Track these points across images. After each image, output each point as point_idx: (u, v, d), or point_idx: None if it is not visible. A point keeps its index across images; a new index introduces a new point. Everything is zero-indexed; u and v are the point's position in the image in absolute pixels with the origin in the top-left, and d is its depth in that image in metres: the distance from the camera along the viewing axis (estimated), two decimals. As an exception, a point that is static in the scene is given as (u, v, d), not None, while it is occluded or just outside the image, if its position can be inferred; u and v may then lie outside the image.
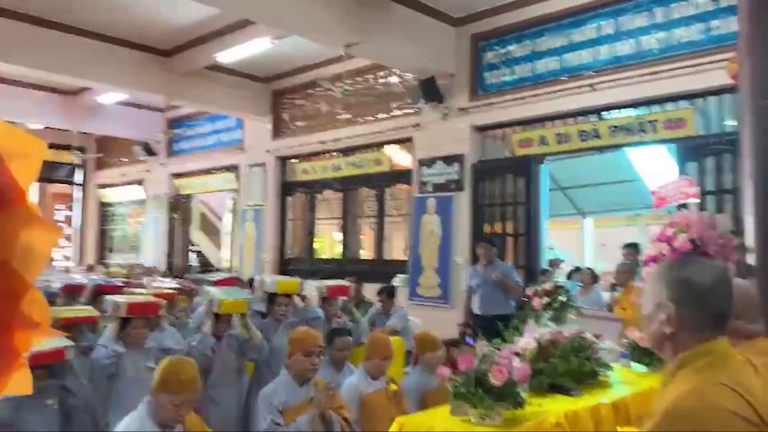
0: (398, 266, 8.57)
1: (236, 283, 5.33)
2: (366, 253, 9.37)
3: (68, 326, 4.01)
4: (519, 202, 7.37)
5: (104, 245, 14.70)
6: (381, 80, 8.83)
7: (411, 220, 8.23)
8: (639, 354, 2.96)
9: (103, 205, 14.69)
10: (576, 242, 12.51)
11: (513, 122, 7.29)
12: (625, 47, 6.29)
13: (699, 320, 1.35)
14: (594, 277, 7.14)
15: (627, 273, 5.93)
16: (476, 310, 6.08)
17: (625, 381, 2.76)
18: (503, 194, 7.52)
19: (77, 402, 3.46)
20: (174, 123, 12.35)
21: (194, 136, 12.02)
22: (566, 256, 11.13)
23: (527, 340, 2.43)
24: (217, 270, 12.22)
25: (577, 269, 8.03)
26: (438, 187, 7.89)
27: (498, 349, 2.39)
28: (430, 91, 7.68)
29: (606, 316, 5.20)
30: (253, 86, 10.02)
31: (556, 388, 2.37)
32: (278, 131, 10.21)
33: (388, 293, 5.98)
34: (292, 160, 10.15)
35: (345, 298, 5.02)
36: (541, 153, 7.08)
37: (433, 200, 7.93)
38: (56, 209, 17.11)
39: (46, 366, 3.35)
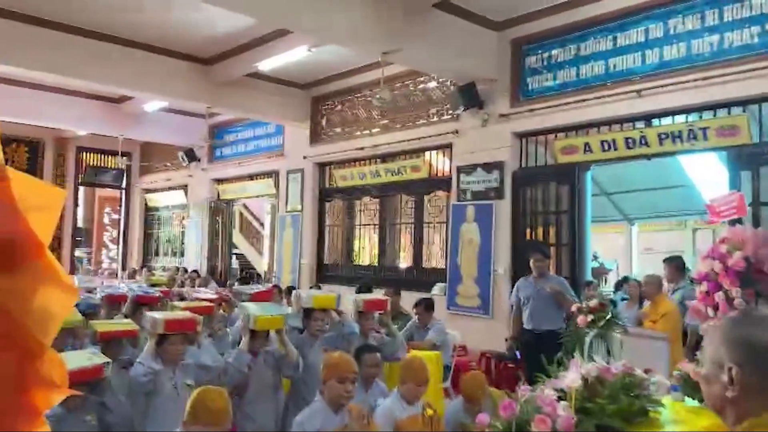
0: (436, 274, 8.46)
1: (271, 295, 5.31)
2: (404, 260, 9.28)
3: (108, 340, 4.06)
4: (562, 211, 7.17)
5: (149, 248, 15.03)
6: (420, 86, 8.73)
7: (449, 228, 8.11)
8: (692, 389, 2.78)
9: (148, 209, 15.02)
10: (621, 249, 12.14)
11: (556, 129, 7.10)
12: (674, 51, 6.03)
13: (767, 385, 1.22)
14: (641, 289, 6.87)
15: (655, 285, 5.68)
16: (526, 325, 5.86)
17: (678, 419, 2.58)
18: (545, 202, 7.33)
19: (115, 419, 3.47)
20: (216, 129, 12.53)
21: (235, 142, 12.17)
22: (612, 264, 10.83)
23: (573, 377, 2.29)
24: (257, 275, 12.34)
25: (626, 279, 7.74)
26: (477, 195, 7.75)
27: (541, 381, 2.27)
28: (469, 96, 7.54)
29: (652, 334, 4.97)
30: (292, 93, 10.07)
31: (602, 430, 2.23)
32: (316, 137, 10.23)
33: (426, 306, 5.86)
34: (330, 167, 10.14)
35: (383, 311, 4.92)
36: (585, 161, 6.86)
37: (472, 208, 7.79)
38: (105, 212, 17.64)
39: (84, 383, 3.38)
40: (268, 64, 8.43)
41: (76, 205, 14.66)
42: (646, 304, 5.84)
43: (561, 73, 6.97)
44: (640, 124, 6.41)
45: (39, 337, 1.10)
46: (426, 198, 8.79)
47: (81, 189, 15.30)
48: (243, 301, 4.96)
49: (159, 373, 3.59)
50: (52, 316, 1.09)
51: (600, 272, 8.52)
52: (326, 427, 2.86)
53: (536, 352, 5.38)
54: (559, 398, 2.29)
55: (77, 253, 15.18)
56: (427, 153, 8.70)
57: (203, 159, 12.54)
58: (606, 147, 6.57)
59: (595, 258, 9.67)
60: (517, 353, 5.83)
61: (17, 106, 10.61)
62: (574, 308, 4.79)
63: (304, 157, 10.21)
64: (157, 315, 3.77)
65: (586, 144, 6.73)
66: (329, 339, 4.52)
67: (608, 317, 4.53)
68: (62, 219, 14.07)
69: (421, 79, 8.67)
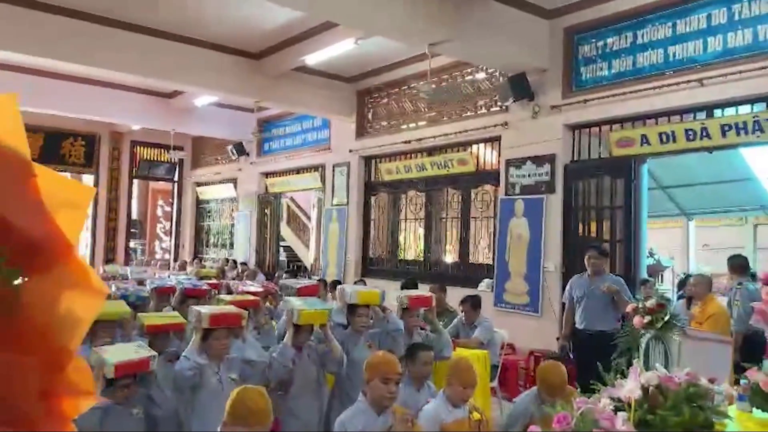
0: (483, 270, 8.30)
1: (317, 290, 5.28)
2: (450, 256, 9.15)
3: (154, 333, 4.11)
4: (616, 206, 6.89)
5: (200, 240, 15.35)
6: (468, 77, 8.55)
7: (497, 223, 7.92)
8: (761, 399, 2.58)
9: (199, 202, 15.33)
10: (678, 245, 11.65)
11: (610, 120, 6.81)
12: (739, 38, 5.68)
13: None
14: (691, 289, 6.53)
15: (704, 285, 5.37)
16: (578, 324, 5.65)
17: (745, 432, 2.41)
18: (598, 197, 7.06)
19: (161, 412, 3.50)
20: (264, 123, 12.65)
21: (283, 136, 12.26)
22: (668, 261, 10.40)
23: (632, 386, 2.14)
24: (304, 268, 12.43)
25: (688, 278, 7.33)
26: (527, 189, 7.53)
27: (597, 391, 2.13)
28: (519, 87, 7.33)
29: (713, 337, 4.70)
30: (338, 86, 10.04)
31: (663, 444, 2.08)
32: (362, 131, 10.18)
33: (473, 303, 5.73)
34: (376, 160, 10.08)
35: (428, 308, 4.82)
36: (641, 153, 6.56)
37: (522, 202, 7.58)
38: (158, 205, 18.12)
39: (132, 376, 3.42)
40: (315, 57, 8.42)
41: (130, 197, 15.08)
42: (695, 304, 5.56)
43: (616, 62, 6.68)
44: (701, 115, 6.07)
45: (64, 342, 1.06)
46: (473, 192, 8.61)
47: (135, 182, 15.73)
48: (289, 294, 4.95)
49: (204, 367, 3.60)
50: (78, 321, 1.04)
51: (656, 269, 8.16)
52: (368, 429, 2.79)
53: (588, 352, 5.23)
54: (617, 409, 2.16)
55: (131, 244, 15.63)
56: (475, 146, 8.52)
57: (252, 153, 12.68)
58: (664, 139, 6.26)
59: (651, 255, 9.31)
60: (570, 354, 5.64)
61: (74, 101, 10.95)
62: (629, 308, 4.59)
63: (350, 151, 10.18)
64: (203, 309, 3.78)
65: (643, 136, 6.43)
66: (373, 335, 4.46)
67: (666, 318, 4.31)
68: (117, 211, 14.53)
69: (469, 70, 8.49)
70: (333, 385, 4.28)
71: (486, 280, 8.09)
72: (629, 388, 2.18)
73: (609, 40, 6.74)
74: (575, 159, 7.21)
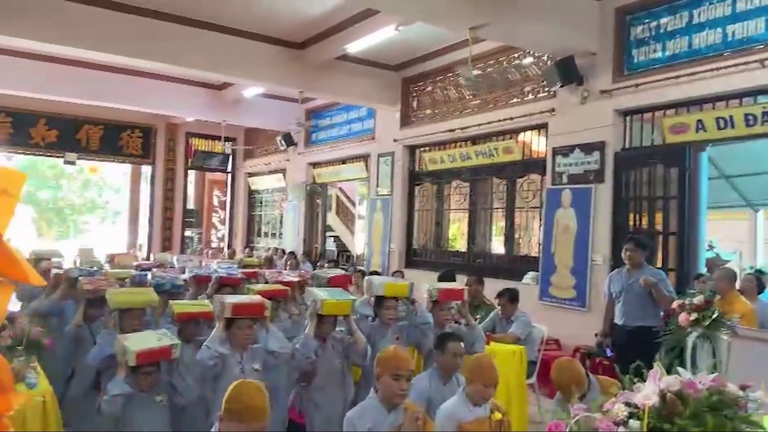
0: (529, 263, 8.05)
1: (349, 280, 5.21)
2: (495, 247, 8.91)
3: (185, 321, 4.14)
4: (670, 196, 6.50)
5: (251, 229, 15.63)
6: (514, 62, 8.27)
7: (544, 214, 7.65)
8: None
9: (251, 192, 15.60)
10: (744, 237, 10.96)
11: (664, 105, 6.42)
12: (806, 14, 5.21)
13: None
14: (761, 283, 6.08)
15: (726, 279, 4.96)
16: (617, 320, 5.40)
17: (784, 446, 2.16)
18: (651, 186, 6.68)
19: (183, 400, 3.51)
20: (312, 114, 12.70)
21: (330, 126, 12.27)
22: (730, 255, 9.79)
23: (648, 391, 1.96)
24: (351, 258, 12.44)
25: (760, 272, 6.81)
26: (575, 178, 7.22)
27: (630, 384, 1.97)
28: (567, 72, 7.01)
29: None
30: (382, 75, 9.94)
31: (682, 456, 1.88)
32: (406, 120, 10.04)
33: (510, 297, 5.52)
34: (420, 149, 9.92)
35: (460, 302, 4.67)
36: (697, 140, 6.15)
37: (569, 192, 7.28)
38: (214, 195, 18.55)
39: (155, 364, 3.44)
40: (357, 45, 8.33)
41: (185, 187, 15.49)
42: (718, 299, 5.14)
43: (671, 43, 6.27)
44: (762, 99, 5.62)
45: None
46: (519, 181, 8.34)
47: (192, 172, 16.15)
48: (320, 284, 4.91)
49: (226, 356, 3.59)
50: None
51: (715, 263, 7.65)
52: (378, 426, 2.69)
53: (628, 349, 4.95)
54: (631, 415, 1.98)
55: (188, 233, 16.06)
56: (521, 134, 8.24)
57: (300, 143, 12.76)
58: (722, 125, 5.84)
59: (711, 248, 8.77)
60: (608, 350, 5.37)
61: (132, 94, 11.30)
62: (675, 305, 4.30)
63: (395, 141, 10.06)
64: (226, 298, 3.77)
65: (699, 121, 6.02)
66: (401, 328, 4.36)
67: (714, 316, 4.01)
68: (173, 201, 14.95)
69: (515, 55, 8.21)
70: (359, 377, 4.21)
71: (531, 273, 7.84)
72: (644, 393, 1.99)
73: (663, 20, 6.34)
74: (626, 146, 6.84)
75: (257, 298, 3.96)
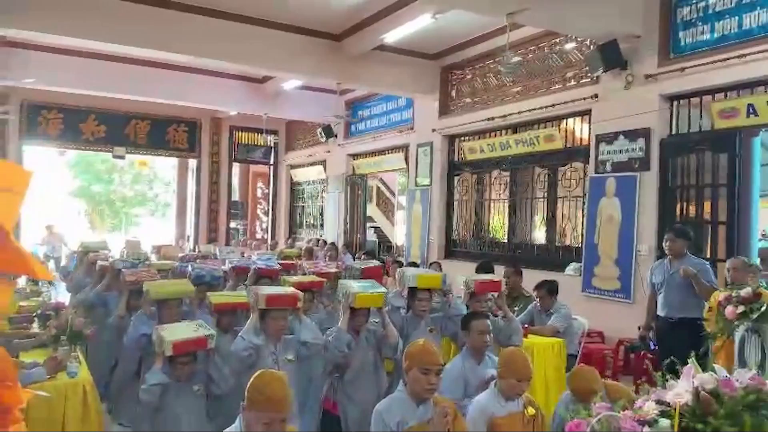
0: (571, 253, 7.86)
1: (382, 271, 5.20)
2: (536, 237, 8.74)
3: (222, 311, 4.21)
4: (720, 184, 6.23)
5: (294, 220, 15.81)
6: (556, 48, 8.05)
7: (587, 203, 7.45)
8: None
9: (293, 184, 15.76)
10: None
11: (713, 89, 6.13)
12: None
13: None
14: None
15: (743, 270, 4.67)
16: (659, 311, 5.25)
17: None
18: (699, 174, 6.41)
19: (219, 390, 3.56)
20: (351, 105, 12.71)
21: (369, 117, 12.26)
22: (786, 245, 9.31)
23: (681, 388, 1.87)
24: (390, 248, 12.43)
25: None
26: (619, 166, 7.00)
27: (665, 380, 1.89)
28: (610, 56, 6.77)
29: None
30: (421, 64, 9.84)
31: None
32: (445, 109, 9.93)
33: (549, 289, 5.41)
34: (459, 139, 9.80)
35: (497, 293, 4.60)
36: (749, 125, 5.85)
37: (613, 181, 7.06)
38: (258, 187, 18.82)
39: (191, 354, 3.51)
40: (394, 35, 8.26)
41: (230, 180, 15.76)
42: None
43: (720, 24, 5.98)
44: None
45: None
46: (561, 170, 8.14)
47: (237, 165, 16.41)
48: (354, 276, 4.91)
49: (260, 347, 3.63)
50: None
51: (769, 255, 7.32)
52: (407, 420, 2.67)
53: (670, 342, 4.78)
54: (663, 414, 1.89)
55: (234, 224, 16.36)
56: (563, 121, 8.03)
57: (340, 135, 12.80)
58: (776, 108, 5.54)
59: (765, 237, 8.38)
60: (651, 343, 5.21)
61: (177, 89, 11.54)
62: (721, 297, 4.12)
63: (433, 130, 9.97)
64: (260, 290, 3.81)
65: (750, 106, 5.72)
66: (435, 320, 4.33)
67: (763, 309, 3.83)
68: (218, 193, 15.25)
69: (557, 40, 7.98)
70: (393, 369, 4.20)
71: (573, 264, 7.66)
72: (677, 391, 1.90)
73: (711, 1, 6.05)
74: (673, 133, 6.58)
75: (291, 289, 3.99)
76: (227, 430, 2.39)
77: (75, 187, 30.22)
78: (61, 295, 7.19)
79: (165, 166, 25.33)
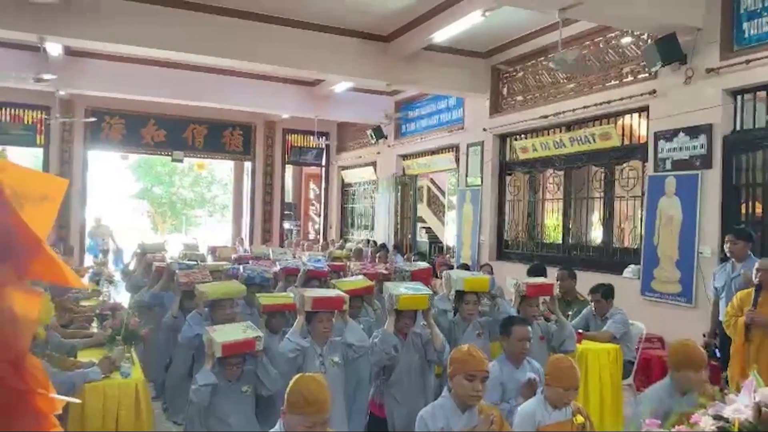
0: (629, 255, 7.59)
1: (431, 273, 5.14)
2: (592, 239, 8.48)
3: (270, 312, 4.26)
4: (789, 182, 5.88)
5: (345, 221, 15.92)
6: (612, 42, 7.79)
7: (645, 203, 7.17)
8: None
9: (344, 185, 15.87)
10: None
11: (781, 82, 5.80)
12: None
13: None
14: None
15: None
16: (721, 317, 4.99)
17: None
18: (766, 171, 6.07)
19: (266, 391, 3.60)
20: (401, 105, 12.69)
21: (419, 117, 12.20)
22: None
23: (741, 404, 1.75)
24: (441, 249, 12.34)
25: None
26: (679, 164, 6.70)
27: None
28: (669, 50, 6.50)
29: None
30: (471, 63, 9.72)
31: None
32: (497, 108, 9.76)
33: (604, 293, 5.22)
34: (511, 138, 9.62)
35: (549, 297, 4.48)
36: (822, 119, 5.50)
37: (673, 179, 6.77)
38: (311, 188, 19.07)
39: (240, 355, 3.56)
40: (443, 34, 8.18)
41: (283, 182, 16.02)
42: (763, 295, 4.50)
43: (789, 12, 5.64)
44: None
45: (10, 341, 1.05)
46: (617, 169, 7.86)
47: (290, 167, 16.67)
48: (402, 278, 4.88)
49: (306, 349, 3.65)
50: (16, 319, 1.02)
51: None
52: (451, 427, 2.62)
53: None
54: (721, 430, 1.78)
55: (287, 225, 16.61)
56: (620, 118, 7.76)
57: (390, 136, 12.80)
58: None
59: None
60: (716, 351, 4.95)
61: (233, 94, 11.82)
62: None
63: (484, 129, 9.82)
64: (306, 292, 3.83)
65: (824, 98, 5.38)
66: (484, 324, 4.25)
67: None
68: (272, 195, 15.51)
69: (613, 35, 7.72)
70: (441, 373, 4.14)
71: (632, 266, 7.38)
72: (736, 406, 1.78)
73: (779, -13, 5.71)
74: (736, 129, 6.25)
75: (337, 292, 3.99)
76: None
77: (138, 189, 31.45)
78: (122, 294, 7.46)
79: (223, 168, 26.03)
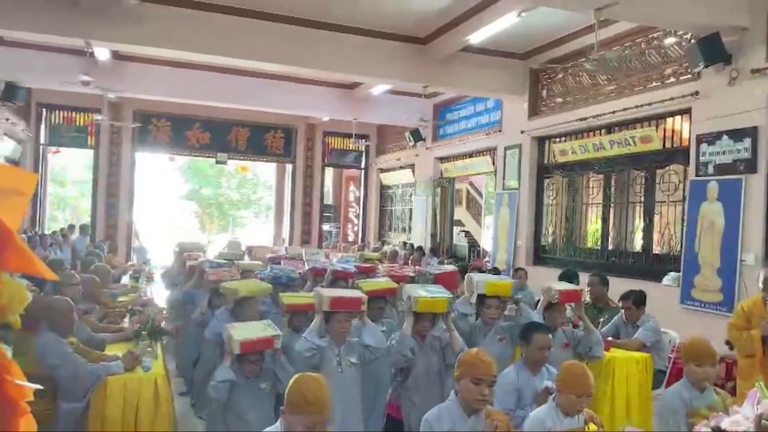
0: (669, 262, 7.34)
1: (456, 277, 5.09)
2: (631, 244, 8.23)
3: (293, 311, 4.31)
4: (841, 187, 5.57)
5: (383, 224, 15.95)
6: (653, 43, 7.56)
7: (686, 208, 6.92)
8: None
9: (383, 188, 15.91)
10: None
11: (834, 81, 5.51)
12: None
13: None
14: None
15: None
16: None
17: None
18: (816, 177, 5.78)
19: (284, 389, 3.62)
20: (439, 108, 12.64)
21: (457, 119, 12.12)
22: None
23: (741, 416, 1.67)
24: (479, 252, 12.22)
25: None
26: (722, 169, 6.45)
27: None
28: (712, 50, 6.26)
29: None
30: (508, 65, 9.59)
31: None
32: (535, 110, 9.61)
33: (635, 300, 5.06)
34: (550, 141, 9.45)
35: (575, 303, 4.37)
36: None
37: (716, 184, 6.51)
38: (350, 190, 19.19)
39: (259, 352, 3.61)
40: (480, 35, 8.11)
41: (322, 184, 16.18)
42: None
43: (842, 7, 5.35)
44: None
45: None
46: (658, 173, 7.62)
47: (329, 170, 16.83)
48: (427, 281, 4.86)
49: (324, 349, 3.67)
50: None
51: None
52: (456, 430, 2.59)
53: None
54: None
55: (326, 227, 16.77)
56: (661, 120, 7.52)
57: (428, 138, 12.77)
58: None
59: None
60: None
61: (275, 97, 12.02)
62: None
63: (522, 132, 9.68)
64: (324, 292, 3.85)
65: None
66: (507, 329, 4.18)
67: None
68: (311, 197, 15.68)
69: (655, 35, 7.50)
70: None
71: (671, 274, 7.13)
72: (735, 418, 1.71)
73: (831, -18, 5.43)
74: (784, 131, 5.98)
75: (356, 292, 4.00)
76: (267, 429, 2.42)
77: (186, 190, 32.30)
78: (160, 292, 7.69)
79: (267, 170, 26.48)
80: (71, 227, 12.35)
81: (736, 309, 4.21)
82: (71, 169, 25.61)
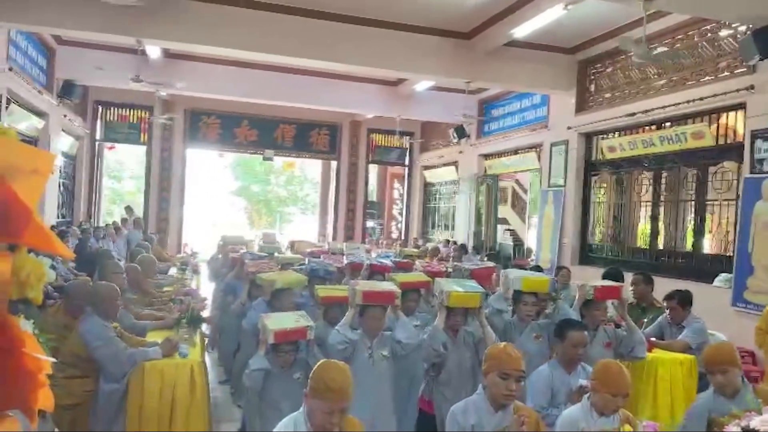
0: (721, 263, 7.06)
1: (492, 273, 5.02)
2: (682, 244, 7.94)
3: (329, 304, 4.35)
4: None
5: (427, 221, 15.90)
6: (707, 35, 7.27)
7: (740, 207, 6.63)
8: None
9: (426, 185, 15.85)
10: None
11: None
12: None
13: None
14: None
15: None
16: None
17: None
18: None
19: (316, 380, 3.66)
20: (485, 104, 12.49)
21: (502, 116, 11.96)
22: None
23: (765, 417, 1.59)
24: (525, 251, 12.03)
25: None
26: (779, 166, 6.16)
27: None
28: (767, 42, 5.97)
29: None
30: (555, 59, 9.39)
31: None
32: (583, 105, 9.37)
33: (681, 299, 4.86)
34: (598, 137, 9.20)
35: (615, 301, 4.25)
36: None
37: (772, 182, 6.22)
38: (394, 188, 19.23)
39: (293, 343, 3.66)
40: (524, 29, 7.97)
41: (366, 180, 16.24)
42: None
43: None
44: None
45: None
46: (711, 170, 7.33)
47: (374, 166, 16.88)
48: (463, 277, 4.81)
49: (356, 342, 3.69)
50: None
51: None
52: (483, 425, 2.55)
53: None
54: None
55: (370, 224, 16.85)
56: (714, 116, 7.22)
57: (472, 135, 12.64)
58: None
59: None
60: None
61: (320, 94, 12.14)
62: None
63: (568, 128, 9.46)
64: (358, 285, 3.87)
65: None
66: (543, 326, 4.10)
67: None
68: (355, 193, 15.77)
69: (708, 27, 7.20)
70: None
71: (723, 275, 6.85)
72: (764, 417, 1.62)
73: None
74: None
75: (390, 286, 4.00)
76: (292, 414, 2.46)
77: (236, 187, 33.02)
78: (204, 283, 7.88)
79: (314, 167, 26.79)
80: (124, 221, 12.79)
81: (765, 312, 4.00)
82: (127, 164, 26.52)
